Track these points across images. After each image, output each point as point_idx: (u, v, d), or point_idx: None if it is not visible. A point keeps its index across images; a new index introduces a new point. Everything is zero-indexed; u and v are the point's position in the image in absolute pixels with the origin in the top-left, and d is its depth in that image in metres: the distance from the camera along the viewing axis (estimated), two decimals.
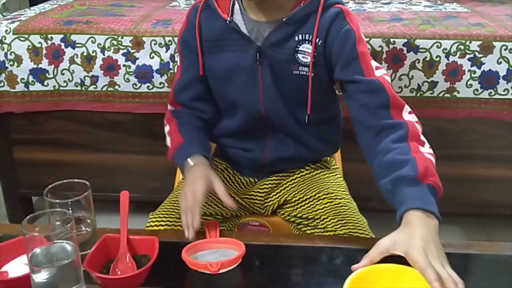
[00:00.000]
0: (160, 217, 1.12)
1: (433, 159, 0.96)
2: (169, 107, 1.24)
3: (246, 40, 1.09)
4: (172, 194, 1.24)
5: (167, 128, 1.21)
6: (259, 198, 1.24)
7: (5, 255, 0.85)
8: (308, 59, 1.07)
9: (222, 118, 1.24)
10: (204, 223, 1.01)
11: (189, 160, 1.09)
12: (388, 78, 1.07)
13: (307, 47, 1.07)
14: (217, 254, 0.90)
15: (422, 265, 0.76)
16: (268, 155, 1.21)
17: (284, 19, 1.06)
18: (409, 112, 1.05)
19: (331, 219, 1.11)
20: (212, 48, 1.13)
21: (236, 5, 1.11)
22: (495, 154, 1.89)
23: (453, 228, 2.08)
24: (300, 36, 1.07)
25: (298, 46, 1.07)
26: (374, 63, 1.08)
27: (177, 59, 1.24)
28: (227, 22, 1.09)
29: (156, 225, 1.10)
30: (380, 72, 1.07)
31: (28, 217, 0.77)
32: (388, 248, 0.82)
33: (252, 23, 1.10)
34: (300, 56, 1.07)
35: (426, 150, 0.97)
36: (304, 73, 1.08)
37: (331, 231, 1.09)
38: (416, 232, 0.82)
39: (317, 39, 1.06)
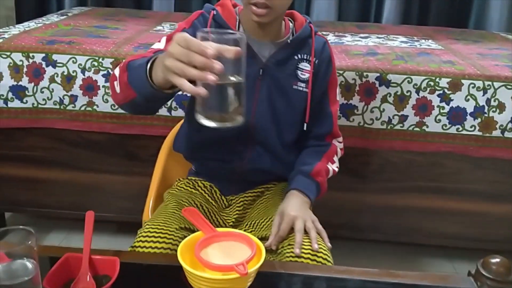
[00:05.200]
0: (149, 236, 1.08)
1: (331, 170, 1.29)
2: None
3: (251, 56, 1.17)
4: (158, 212, 1.20)
5: (116, 71, 1.04)
6: (234, 219, 1.28)
7: None
8: (306, 76, 1.24)
9: (205, 130, 1.25)
10: (183, 212, 0.96)
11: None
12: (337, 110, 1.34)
13: (305, 65, 1.24)
14: (221, 252, 0.88)
15: (297, 229, 1.09)
16: (245, 166, 1.26)
17: (288, 41, 1.22)
18: (340, 141, 1.37)
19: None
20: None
21: (241, 26, 1.21)
22: (462, 188, 1.93)
23: (422, 259, 2.12)
24: (299, 55, 1.24)
25: (298, 63, 1.24)
26: (337, 90, 1.32)
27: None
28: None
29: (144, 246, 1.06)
30: (336, 105, 1.33)
31: None
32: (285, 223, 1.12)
33: (254, 42, 1.19)
34: (299, 72, 1.23)
35: (332, 166, 1.31)
36: (301, 88, 1.23)
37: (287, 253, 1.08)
38: (293, 207, 1.15)
39: (315, 59, 1.24)
